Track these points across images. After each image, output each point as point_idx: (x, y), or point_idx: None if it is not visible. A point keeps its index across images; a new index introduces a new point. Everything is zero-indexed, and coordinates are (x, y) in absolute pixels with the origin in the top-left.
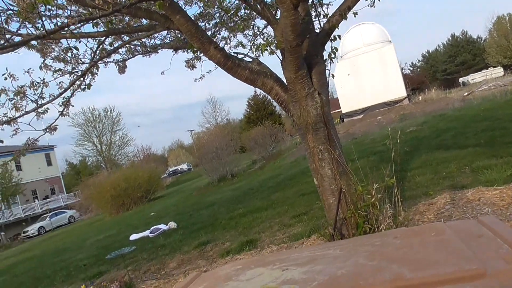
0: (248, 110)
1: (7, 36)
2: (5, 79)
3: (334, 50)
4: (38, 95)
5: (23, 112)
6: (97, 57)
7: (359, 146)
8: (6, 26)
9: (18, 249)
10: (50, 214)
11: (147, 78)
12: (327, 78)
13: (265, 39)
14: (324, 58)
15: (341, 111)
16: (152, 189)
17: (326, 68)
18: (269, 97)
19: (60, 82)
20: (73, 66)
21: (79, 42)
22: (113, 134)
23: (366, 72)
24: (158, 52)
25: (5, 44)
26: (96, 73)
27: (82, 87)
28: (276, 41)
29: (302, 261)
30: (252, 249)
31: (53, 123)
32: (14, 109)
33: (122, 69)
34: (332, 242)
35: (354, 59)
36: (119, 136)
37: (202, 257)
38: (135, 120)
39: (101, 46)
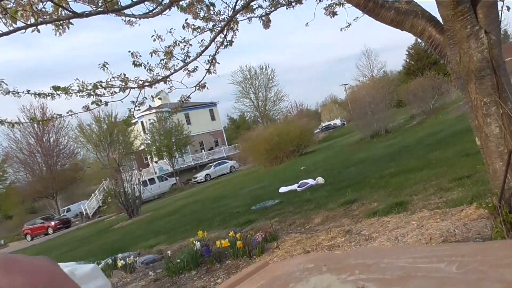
0: (407, 60)
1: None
2: (154, 40)
3: None
4: (184, 54)
5: (173, 71)
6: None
7: None
8: None
9: (188, 193)
10: (214, 163)
11: (298, 34)
12: (499, 12)
13: None
14: None
15: None
16: (303, 144)
17: None
18: None
19: (202, 40)
20: (214, 23)
21: None
22: (268, 91)
23: None
24: (302, 3)
25: (157, 7)
26: (237, 29)
27: (225, 44)
28: None
29: (392, 275)
30: (401, 212)
31: (201, 80)
32: (164, 68)
33: (266, 23)
34: (463, 244)
35: None
36: (274, 92)
37: (347, 215)
38: (288, 76)
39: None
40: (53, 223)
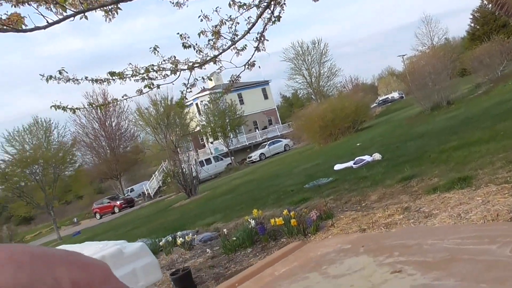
0: (472, 25)
1: None
2: (201, 20)
3: None
4: (232, 32)
5: (222, 50)
6: None
7: None
8: None
9: (243, 172)
10: (268, 142)
11: (350, 6)
12: None
13: None
14: None
15: None
16: (359, 119)
17: None
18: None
19: (248, 17)
20: None
21: None
22: (322, 66)
23: None
24: None
25: None
26: (284, 3)
27: (272, 19)
28: None
29: (434, 258)
30: (464, 187)
31: (250, 59)
32: (213, 48)
33: None
34: None
35: None
36: (327, 68)
37: (406, 192)
38: (342, 50)
39: None
40: (118, 202)
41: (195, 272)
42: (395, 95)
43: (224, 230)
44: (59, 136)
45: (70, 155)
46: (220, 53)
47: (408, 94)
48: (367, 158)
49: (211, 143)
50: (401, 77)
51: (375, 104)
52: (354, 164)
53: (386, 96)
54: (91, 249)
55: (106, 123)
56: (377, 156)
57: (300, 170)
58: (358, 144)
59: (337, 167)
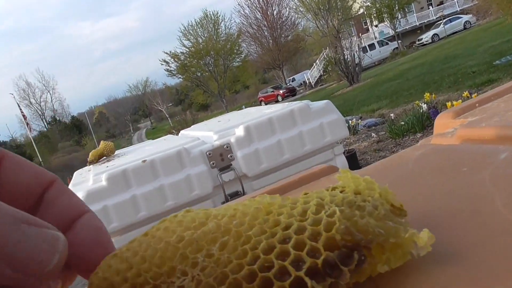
0: None
1: None
2: None
3: None
4: None
5: None
6: None
7: None
8: None
9: (411, 56)
10: (444, 20)
11: None
12: None
13: None
14: None
15: None
16: None
17: None
18: None
19: None
20: None
21: None
22: None
23: None
24: None
25: None
26: None
27: None
28: None
29: None
30: None
31: None
32: None
33: None
34: None
35: None
36: None
37: None
38: None
39: None
40: (281, 91)
41: (360, 155)
42: None
43: (391, 115)
44: (226, 28)
45: (237, 46)
46: None
47: None
48: None
49: (376, 26)
50: None
51: None
52: None
53: None
54: (278, 106)
55: (268, 12)
56: None
57: (486, 48)
58: None
59: None
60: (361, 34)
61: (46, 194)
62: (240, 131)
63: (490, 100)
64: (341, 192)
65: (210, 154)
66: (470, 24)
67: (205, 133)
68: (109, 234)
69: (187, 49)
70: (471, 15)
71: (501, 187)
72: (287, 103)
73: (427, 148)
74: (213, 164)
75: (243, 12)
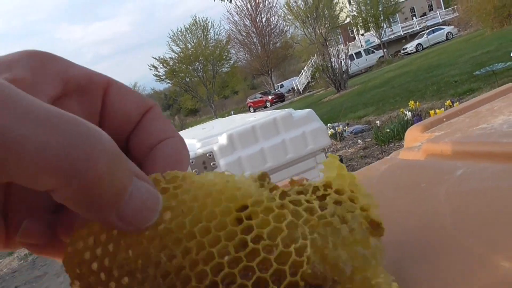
0: None
1: None
2: None
3: None
4: None
5: None
6: None
7: None
8: None
9: (396, 65)
10: (427, 31)
11: None
12: None
13: None
14: None
15: None
16: None
17: None
18: None
19: None
20: None
21: None
22: None
23: None
24: None
25: None
26: None
27: None
28: None
29: None
30: None
31: None
32: None
33: None
34: None
35: None
36: None
37: None
38: None
39: None
40: (270, 97)
41: (347, 161)
42: None
43: (377, 122)
44: (215, 34)
45: (226, 52)
46: None
47: None
48: None
49: (362, 35)
50: None
51: None
52: None
53: None
54: (261, 114)
55: (257, 19)
56: None
57: (467, 59)
58: None
59: None
60: (348, 42)
61: (143, 118)
62: (223, 139)
63: (457, 115)
64: (322, 196)
65: (192, 162)
66: (452, 35)
67: (188, 141)
68: (188, 159)
69: (176, 55)
70: (452, 27)
71: (454, 204)
72: (270, 111)
73: (394, 162)
74: (195, 172)
75: (232, 19)
